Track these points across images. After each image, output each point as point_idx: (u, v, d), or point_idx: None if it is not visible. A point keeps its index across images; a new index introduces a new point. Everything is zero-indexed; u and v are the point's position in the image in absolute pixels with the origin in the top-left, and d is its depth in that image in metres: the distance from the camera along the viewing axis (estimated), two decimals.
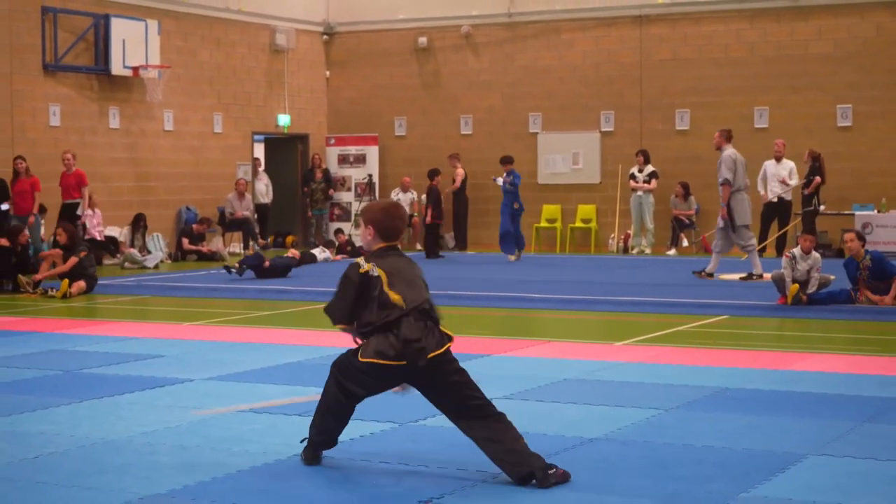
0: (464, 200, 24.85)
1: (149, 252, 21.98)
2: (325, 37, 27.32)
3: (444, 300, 14.24)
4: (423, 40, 26.23)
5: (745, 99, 23.61)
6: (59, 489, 6.04)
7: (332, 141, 26.84)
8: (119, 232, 22.19)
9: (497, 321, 13.53)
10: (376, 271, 6.27)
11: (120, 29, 21.91)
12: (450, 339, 6.32)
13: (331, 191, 26.26)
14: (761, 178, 22.03)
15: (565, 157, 25.10)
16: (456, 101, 25.91)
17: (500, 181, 21.83)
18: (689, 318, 13.17)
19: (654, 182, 23.51)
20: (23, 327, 12.88)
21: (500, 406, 6.40)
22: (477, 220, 25.25)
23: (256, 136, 26.14)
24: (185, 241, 22.95)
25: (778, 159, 21.94)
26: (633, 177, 23.74)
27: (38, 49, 21.06)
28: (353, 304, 6.31)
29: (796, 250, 14.35)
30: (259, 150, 26.80)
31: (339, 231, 24.71)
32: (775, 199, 21.92)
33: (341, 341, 11.25)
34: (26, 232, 18.11)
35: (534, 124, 25.34)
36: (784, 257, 14.50)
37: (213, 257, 22.57)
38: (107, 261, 21.14)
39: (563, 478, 6.11)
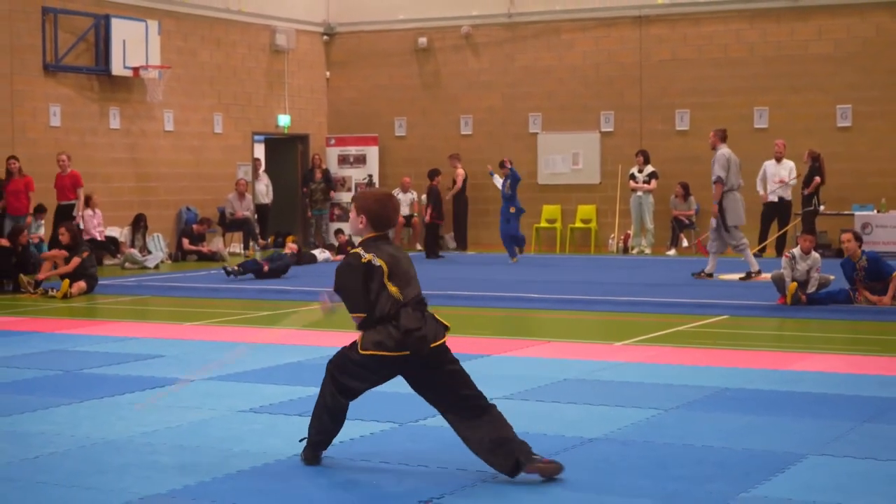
0: (464, 200, 24.87)
1: (149, 252, 21.98)
2: (325, 37, 27.32)
3: (444, 300, 14.27)
4: (423, 41, 26.23)
5: (745, 99, 23.61)
6: (59, 489, 6.04)
7: (333, 141, 26.84)
8: (119, 232, 22.19)
9: (497, 321, 13.53)
10: (377, 261, 6.25)
11: (120, 29, 21.91)
12: (446, 328, 6.33)
13: (332, 192, 26.26)
14: (761, 178, 22.05)
15: (565, 157, 25.10)
16: (456, 101, 25.91)
17: (498, 181, 21.82)
18: (689, 319, 13.17)
19: (653, 182, 23.51)
20: (23, 327, 12.88)
21: (500, 406, 6.40)
22: (477, 221, 25.26)
23: (257, 137, 26.14)
24: (186, 241, 22.95)
25: (778, 160, 21.95)
26: (632, 177, 23.74)
27: (39, 49, 21.06)
28: (362, 289, 6.27)
29: (796, 250, 14.35)
30: (259, 151, 26.80)
31: (339, 231, 24.70)
32: (775, 200, 21.92)
33: (342, 341, 11.25)
34: (26, 232, 18.10)
35: (534, 124, 25.34)
36: (784, 257, 14.51)
37: (213, 257, 22.56)
38: (107, 261, 21.14)
39: (553, 468, 6.12)
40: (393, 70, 26.61)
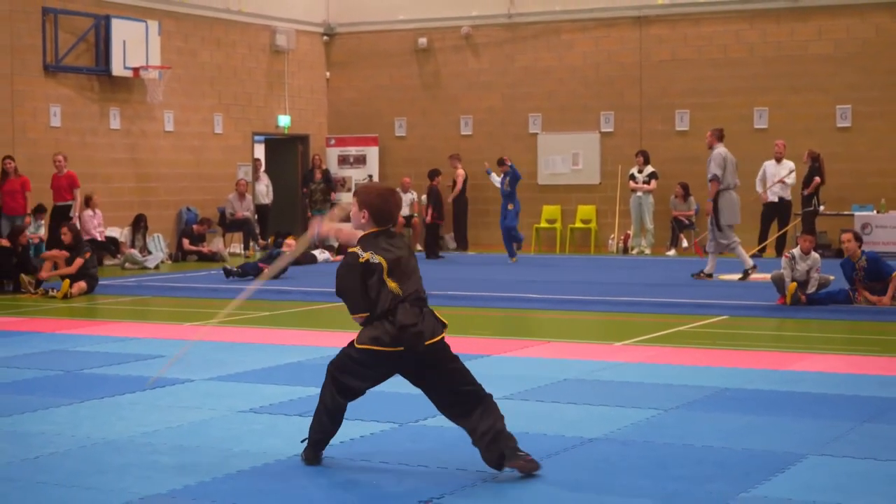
0: (464, 201, 24.87)
1: (149, 252, 21.98)
2: (325, 37, 27.32)
3: (444, 300, 14.27)
4: (423, 41, 26.23)
5: (745, 99, 23.61)
6: (59, 489, 6.04)
7: (333, 141, 26.84)
8: (120, 232, 22.19)
9: (497, 321, 13.53)
10: (376, 258, 6.26)
11: (120, 30, 21.90)
12: (444, 325, 6.33)
13: (332, 194, 26.23)
14: (760, 178, 22.05)
15: (565, 157, 25.09)
16: (456, 101, 25.91)
17: (495, 179, 21.81)
18: (689, 319, 13.17)
19: (653, 183, 23.51)
20: (24, 327, 12.89)
21: (500, 406, 6.40)
22: (477, 221, 25.25)
23: (257, 137, 26.14)
24: (186, 241, 22.96)
25: (778, 160, 21.95)
26: (632, 177, 23.74)
27: (39, 50, 21.06)
28: (361, 289, 6.28)
29: (796, 251, 14.35)
30: (259, 151, 26.79)
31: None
32: (776, 200, 21.93)
33: (342, 341, 11.26)
34: (27, 233, 18.09)
35: (534, 125, 25.34)
36: (784, 258, 14.50)
37: (213, 258, 22.57)
38: (107, 261, 21.14)
39: (532, 465, 6.16)
40: (393, 70, 26.61)
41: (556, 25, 25.11)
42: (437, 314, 6.39)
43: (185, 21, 23.83)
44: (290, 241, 19.67)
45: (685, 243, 23.38)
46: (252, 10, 25.30)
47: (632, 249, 23.76)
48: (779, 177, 21.86)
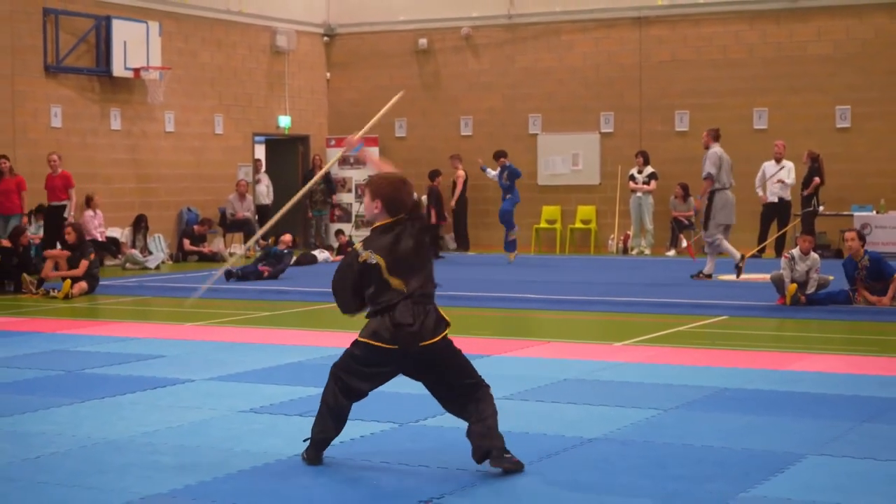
0: (464, 201, 24.87)
1: (150, 253, 21.99)
2: (325, 38, 27.32)
3: (444, 300, 14.18)
4: (423, 42, 26.23)
5: (745, 100, 23.61)
6: (60, 489, 6.04)
7: (333, 142, 26.83)
8: (120, 233, 22.20)
9: (497, 321, 13.53)
10: (374, 258, 6.27)
11: (121, 30, 21.90)
12: (446, 325, 6.31)
13: (333, 196, 26.22)
14: (760, 179, 22.05)
15: (565, 158, 25.09)
16: (456, 102, 25.90)
17: (491, 174, 21.81)
18: (689, 319, 13.17)
19: (653, 183, 23.51)
20: (25, 328, 12.89)
21: (500, 406, 6.40)
22: (477, 221, 25.25)
23: (257, 138, 26.14)
24: (187, 241, 22.97)
25: (778, 160, 21.95)
26: (632, 178, 23.74)
27: (40, 50, 21.06)
28: (353, 290, 6.35)
29: (795, 251, 14.35)
30: (260, 152, 26.80)
31: (339, 232, 24.70)
32: (775, 200, 21.93)
33: (342, 341, 11.26)
34: (27, 233, 18.08)
35: (534, 125, 25.34)
36: (783, 258, 14.50)
37: (214, 258, 22.58)
38: (108, 262, 21.14)
39: (517, 466, 6.19)
40: (393, 71, 26.60)
41: (556, 26, 25.11)
42: (442, 313, 6.37)
43: (186, 22, 23.83)
44: (285, 238, 19.61)
45: (685, 244, 23.38)
46: (252, 11, 25.30)
47: (631, 250, 23.77)
48: (777, 177, 21.85)
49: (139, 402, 8.41)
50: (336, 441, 6.60)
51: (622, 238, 24.18)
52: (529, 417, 7.61)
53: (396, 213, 6.38)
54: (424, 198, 23.84)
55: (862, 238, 14.06)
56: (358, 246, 6.38)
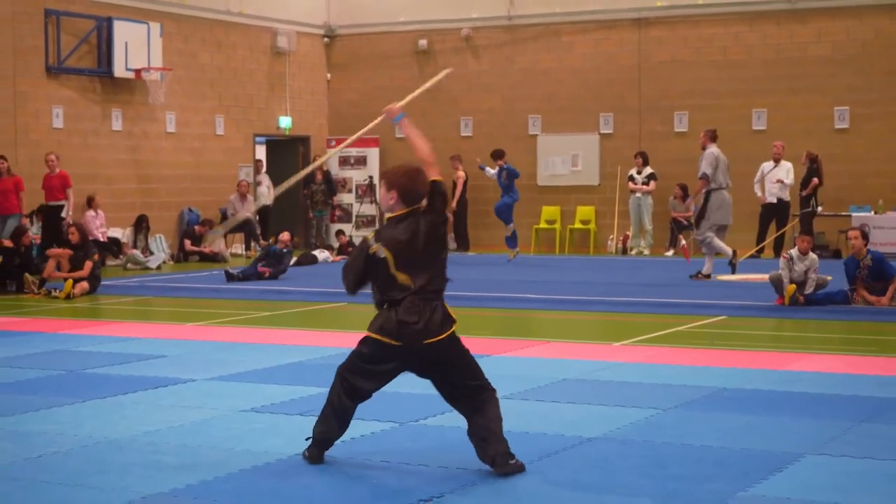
0: (463, 202, 24.88)
1: (151, 253, 22.00)
2: (325, 39, 27.33)
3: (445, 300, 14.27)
4: (423, 43, 26.24)
5: (744, 101, 23.62)
6: (62, 488, 6.05)
7: (333, 143, 26.83)
8: (122, 233, 22.21)
9: (497, 321, 13.53)
10: (383, 252, 6.25)
11: (122, 31, 21.91)
12: (452, 322, 6.30)
13: (334, 198, 26.22)
14: (758, 180, 22.05)
15: (564, 158, 25.10)
16: (456, 103, 25.90)
17: (489, 172, 21.79)
18: (688, 319, 13.17)
19: (652, 184, 23.52)
20: (27, 328, 12.90)
21: (500, 405, 6.40)
22: (477, 221, 25.25)
23: (258, 138, 26.15)
24: (188, 242, 22.98)
25: (776, 161, 21.95)
26: (631, 178, 23.75)
27: (42, 51, 21.07)
28: (361, 275, 6.35)
29: (794, 251, 14.35)
30: (261, 152, 26.81)
31: (339, 232, 24.71)
32: (774, 201, 21.94)
33: (342, 341, 11.26)
34: (29, 233, 18.08)
35: (533, 126, 25.35)
36: (782, 258, 14.51)
37: (214, 258, 22.59)
38: (110, 262, 21.14)
39: (520, 468, 6.19)
40: (393, 72, 26.60)
41: (555, 27, 25.12)
42: (449, 310, 6.34)
43: (187, 23, 23.84)
44: (283, 236, 19.55)
45: (683, 243, 23.39)
46: (253, 12, 25.31)
47: (631, 250, 23.78)
48: (776, 177, 21.86)
49: (141, 402, 8.41)
50: (337, 440, 6.60)
51: (621, 238, 24.19)
52: (529, 417, 7.62)
53: (412, 203, 6.36)
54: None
55: (865, 237, 14.04)
56: (370, 236, 6.36)
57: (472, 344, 10.74)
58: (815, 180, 21.56)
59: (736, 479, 6.16)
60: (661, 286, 16.67)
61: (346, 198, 26.64)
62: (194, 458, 6.68)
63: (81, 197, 21.06)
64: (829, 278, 14.43)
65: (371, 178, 26.39)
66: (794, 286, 13.99)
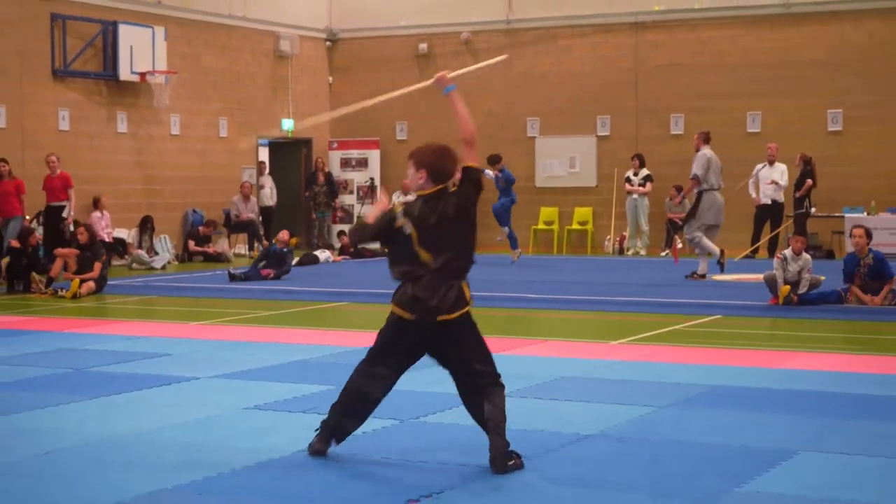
0: None
1: (156, 253, 22.01)
2: (328, 43, 27.34)
3: None
4: (423, 46, 26.25)
5: (739, 104, 23.62)
6: (68, 484, 6.06)
7: (335, 145, 26.85)
8: (127, 234, 22.22)
9: (496, 321, 13.51)
10: (409, 228, 6.22)
11: (127, 35, 21.92)
12: (465, 303, 6.26)
13: (336, 201, 26.22)
14: (752, 181, 22.06)
15: (562, 160, 25.11)
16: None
17: (489, 174, 21.83)
18: (684, 318, 13.17)
19: (649, 185, 23.53)
20: (33, 326, 12.91)
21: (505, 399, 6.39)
22: (477, 222, 25.21)
23: (261, 140, 26.16)
24: (192, 242, 22.99)
25: (771, 163, 21.96)
26: (628, 180, 23.75)
27: (48, 55, 21.08)
28: (375, 238, 6.39)
29: (788, 251, 14.35)
30: (264, 154, 26.81)
31: (341, 233, 24.72)
32: (768, 202, 21.94)
33: (344, 340, 11.28)
34: (37, 234, 18.08)
35: (532, 129, 25.35)
36: (776, 258, 14.51)
37: (218, 258, 22.61)
38: (115, 262, 21.13)
39: (518, 468, 6.20)
40: (394, 75, 26.57)
41: (554, 31, 25.12)
42: (466, 291, 6.29)
43: (191, 27, 23.85)
44: (281, 235, 19.51)
45: (680, 244, 23.40)
46: (256, 17, 25.31)
47: (627, 250, 23.79)
48: (771, 179, 21.87)
49: (145, 400, 8.42)
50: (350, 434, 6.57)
51: (618, 239, 24.20)
52: (528, 414, 7.62)
53: (441, 181, 6.31)
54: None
55: (869, 235, 14.02)
56: (398, 208, 6.31)
57: None
58: (809, 182, 21.57)
59: (731, 475, 6.16)
60: (657, 286, 16.67)
61: (347, 199, 26.65)
62: (198, 454, 6.68)
63: (87, 198, 21.07)
64: (823, 278, 14.43)
65: (372, 179, 26.39)
66: (788, 288, 13.99)
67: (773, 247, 21.38)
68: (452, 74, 6.91)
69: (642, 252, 23.54)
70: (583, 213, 24.88)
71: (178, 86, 23.01)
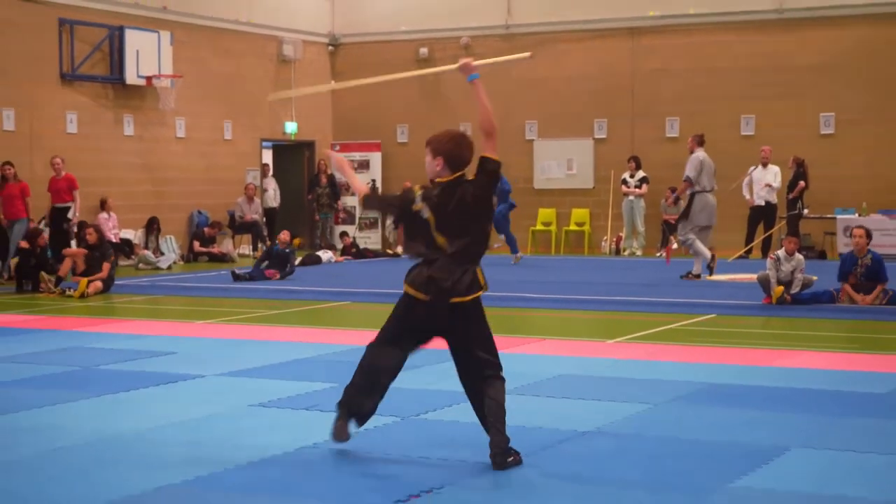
0: None
1: (162, 254, 22.02)
2: (330, 48, 27.35)
3: None
4: (424, 51, 26.25)
5: (733, 107, 23.63)
6: (75, 479, 6.06)
7: (337, 147, 26.84)
8: (133, 234, 22.23)
9: (494, 320, 13.43)
10: (426, 213, 6.19)
11: (134, 40, 21.94)
12: (479, 287, 6.23)
13: (338, 202, 26.23)
14: (747, 183, 22.07)
15: (560, 163, 25.13)
16: (455, 109, 25.85)
17: None
18: (679, 317, 13.18)
19: (644, 187, 23.54)
20: (42, 325, 12.92)
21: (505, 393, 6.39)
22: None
23: (265, 143, 26.18)
24: (197, 243, 23.00)
25: (764, 165, 21.97)
26: (624, 182, 23.76)
27: (56, 59, 21.10)
28: (388, 213, 6.38)
29: (781, 252, 14.36)
30: (267, 156, 26.83)
31: (343, 234, 24.73)
32: (762, 204, 21.95)
33: (346, 339, 11.28)
34: (45, 235, 18.08)
35: (530, 131, 25.36)
36: (769, 259, 14.51)
37: (223, 259, 22.62)
38: (122, 262, 21.15)
39: (517, 464, 6.19)
40: (395, 79, 26.58)
41: (551, 36, 25.12)
42: (480, 276, 6.25)
43: (196, 32, 23.85)
44: (282, 236, 19.49)
45: (675, 245, 23.41)
46: (260, 22, 25.33)
47: (624, 251, 23.80)
48: (765, 181, 21.88)
49: (151, 397, 8.43)
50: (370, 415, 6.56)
51: (615, 239, 24.21)
52: (526, 411, 7.63)
53: (458, 168, 6.28)
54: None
55: (869, 236, 14.00)
56: (417, 192, 6.28)
57: None
58: (802, 184, 21.58)
59: (725, 470, 6.17)
60: (653, 286, 16.67)
61: (349, 200, 26.65)
62: (203, 451, 6.69)
63: (94, 199, 21.09)
64: (815, 278, 14.44)
65: (373, 181, 26.39)
66: (781, 289, 13.99)
67: (766, 247, 21.40)
68: (477, 63, 6.78)
69: (638, 252, 23.55)
70: (580, 214, 24.89)
71: (184, 89, 23.02)
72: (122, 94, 22.30)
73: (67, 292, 16.13)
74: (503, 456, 6.15)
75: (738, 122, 23.65)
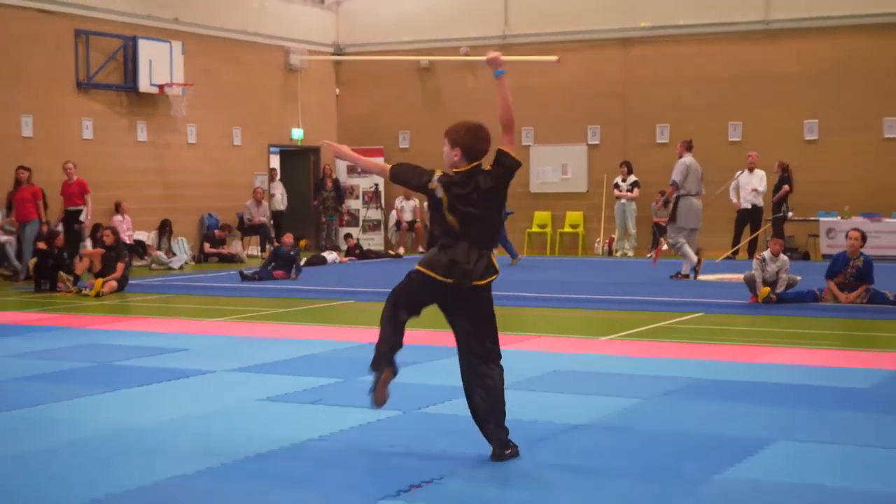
0: None
1: (174, 254, 22.04)
2: (335, 57, 27.37)
3: None
4: (425, 60, 26.27)
5: (720, 114, 23.66)
6: (91, 471, 6.09)
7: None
8: (147, 236, 22.26)
9: None
10: (440, 192, 6.16)
11: (147, 50, 21.96)
12: (495, 272, 6.19)
13: (343, 205, 26.25)
14: (734, 187, 22.09)
15: (555, 167, 25.15)
16: (455, 116, 25.42)
17: None
18: (668, 316, 13.19)
19: (636, 191, 23.56)
20: (59, 323, 12.94)
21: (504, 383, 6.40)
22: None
23: (272, 149, 26.20)
24: (207, 244, 23.02)
25: (751, 170, 22.00)
26: (617, 186, 23.79)
27: (72, 68, 21.12)
28: (407, 174, 6.32)
29: (766, 253, 14.38)
30: (275, 161, 26.85)
31: (348, 236, 24.76)
32: (748, 207, 21.97)
33: (351, 336, 11.30)
34: (61, 236, 18.10)
35: (526, 137, 25.38)
36: (755, 259, 14.53)
37: (232, 259, 22.65)
38: (135, 262, 21.17)
39: (514, 456, 6.19)
40: (397, 88, 26.64)
41: (547, 46, 25.11)
42: (494, 262, 6.23)
43: (207, 42, 23.88)
44: (286, 238, 19.48)
45: (665, 247, 23.42)
46: (268, 32, 25.35)
47: (616, 252, 23.82)
48: (751, 185, 21.90)
49: (164, 392, 8.45)
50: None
51: (607, 241, 24.23)
52: (521, 405, 7.64)
53: (475, 158, 6.25)
54: (426, 204, 23.82)
55: (864, 239, 13.99)
56: (437, 173, 6.23)
57: None
58: (786, 187, 21.62)
59: (712, 462, 6.20)
60: (644, 285, 16.69)
61: (353, 203, 26.69)
62: (214, 443, 6.71)
63: (109, 203, 21.12)
64: (799, 278, 14.45)
65: (377, 185, 26.42)
66: (768, 289, 14.00)
67: (752, 249, 21.41)
68: (505, 58, 6.73)
69: (630, 254, 23.57)
70: (574, 216, 24.92)
71: (195, 97, 23.04)
72: (136, 102, 22.33)
73: (84, 291, 16.15)
74: (502, 448, 6.17)
75: (725, 128, 23.68)
